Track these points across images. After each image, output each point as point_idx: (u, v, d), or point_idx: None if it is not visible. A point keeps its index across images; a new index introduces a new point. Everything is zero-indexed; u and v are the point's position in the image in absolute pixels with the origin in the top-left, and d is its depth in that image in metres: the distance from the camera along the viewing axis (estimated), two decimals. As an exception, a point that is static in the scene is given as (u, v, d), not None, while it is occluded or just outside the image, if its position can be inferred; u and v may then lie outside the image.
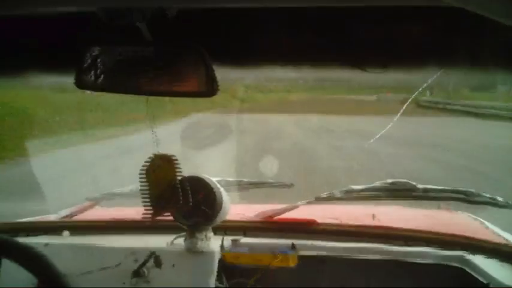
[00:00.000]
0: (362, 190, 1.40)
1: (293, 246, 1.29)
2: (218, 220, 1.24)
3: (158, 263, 1.21)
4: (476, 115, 13.67)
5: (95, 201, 1.59)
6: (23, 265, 0.95)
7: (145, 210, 1.13)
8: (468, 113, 14.28)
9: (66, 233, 1.37)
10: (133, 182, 1.52)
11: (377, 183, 1.40)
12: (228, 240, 1.32)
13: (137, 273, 1.19)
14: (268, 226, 1.41)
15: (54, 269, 0.95)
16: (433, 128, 11.68)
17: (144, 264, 1.20)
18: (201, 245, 1.24)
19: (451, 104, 16.16)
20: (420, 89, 1.27)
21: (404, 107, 1.49)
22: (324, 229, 1.38)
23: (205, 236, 1.26)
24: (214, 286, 1.18)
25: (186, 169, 1.15)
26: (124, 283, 1.18)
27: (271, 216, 1.42)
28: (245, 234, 1.37)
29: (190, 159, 4.73)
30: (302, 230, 1.37)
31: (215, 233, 1.31)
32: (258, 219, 1.44)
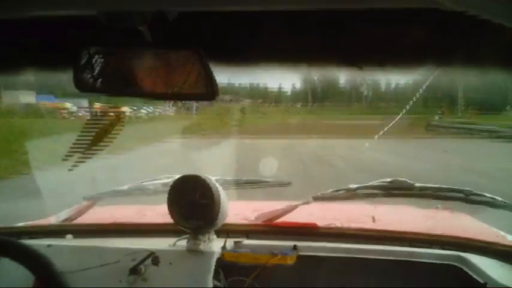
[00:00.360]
0: (361, 189, 1.48)
1: (294, 248, 1.35)
2: (219, 222, 1.29)
3: (156, 262, 1.26)
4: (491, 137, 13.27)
5: (93, 201, 1.65)
6: (21, 264, 0.99)
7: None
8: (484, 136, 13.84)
9: (69, 236, 1.45)
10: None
11: (375, 182, 1.47)
12: (230, 242, 1.37)
13: (134, 271, 1.24)
14: (270, 230, 1.47)
15: (52, 268, 0.99)
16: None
17: (141, 262, 1.25)
18: (203, 246, 1.29)
19: (463, 128, 15.32)
20: (420, 91, 1.36)
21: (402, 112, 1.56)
22: (324, 232, 1.44)
23: (208, 238, 1.31)
24: (212, 285, 1.23)
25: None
26: (121, 281, 1.23)
27: (272, 219, 1.48)
28: (247, 238, 1.43)
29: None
30: (303, 233, 1.44)
31: (218, 236, 1.36)
32: (259, 222, 1.50)
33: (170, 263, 1.26)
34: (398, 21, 0.77)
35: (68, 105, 16.06)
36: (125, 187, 1.63)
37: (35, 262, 1.01)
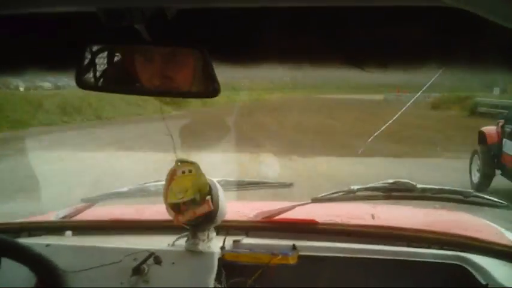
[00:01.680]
0: (362, 190, 1.67)
1: (294, 247, 1.54)
2: (218, 218, 1.48)
3: (158, 262, 1.44)
4: None
5: (93, 202, 1.86)
6: (23, 264, 1.14)
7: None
8: None
9: (68, 233, 1.64)
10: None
11: (377, 183, 1.67)
12: (229, 240, 1.56)
13: (136, 272, 1.42)
14: (269, 226, 1.68)
15: (53, 268, 1.15)
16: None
17: (143, 262, 1.43)
18: (202, 245, 1.49)
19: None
20: (424, 88, 1.54)
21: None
22: (324, 229, 1.63)
23: (208, 236, 1.51)
24: (213, 285, 1.41)
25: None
26: (122, 282, 1.41)
27: (271, 216, 1.70)
28: (247, 235, 1.63)
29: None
30: (303, 230, 1.63)
31: (217, 234, 1.56)
32: (259, 219, 1.71)
33: (172, 264, 1.44)
34: (401, 20, 0.88)
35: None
36: (125, 189, 1.84)
37: (37, 263, 1.16)
